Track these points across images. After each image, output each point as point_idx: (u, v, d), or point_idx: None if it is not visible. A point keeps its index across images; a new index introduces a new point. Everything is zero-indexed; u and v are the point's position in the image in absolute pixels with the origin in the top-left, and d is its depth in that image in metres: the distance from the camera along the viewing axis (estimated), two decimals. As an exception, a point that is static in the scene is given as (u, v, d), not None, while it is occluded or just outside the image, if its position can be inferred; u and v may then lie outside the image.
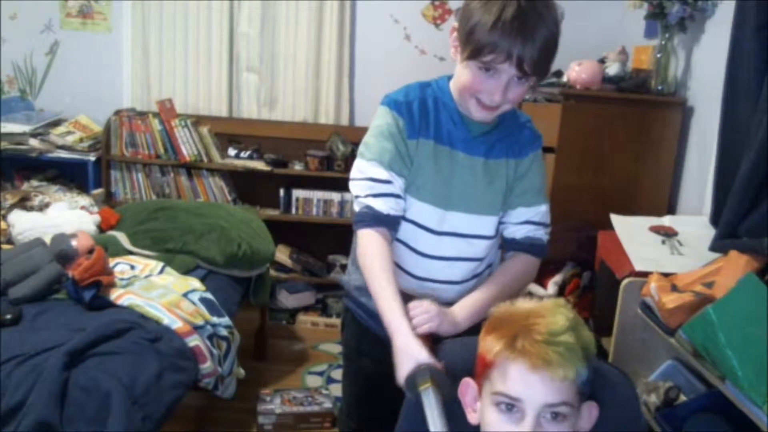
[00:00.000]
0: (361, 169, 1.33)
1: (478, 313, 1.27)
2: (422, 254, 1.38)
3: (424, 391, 1.09)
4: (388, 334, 1.21)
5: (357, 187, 1.34)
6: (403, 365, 1.14)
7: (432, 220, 1.35)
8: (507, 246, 1.41)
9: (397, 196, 1.31)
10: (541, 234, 1.40)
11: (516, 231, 1.39)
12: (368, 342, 1.48)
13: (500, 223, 1.40)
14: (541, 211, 1.39)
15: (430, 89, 1.36)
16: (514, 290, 1.34)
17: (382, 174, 1.30)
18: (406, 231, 1.37)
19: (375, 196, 1.30)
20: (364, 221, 1.31)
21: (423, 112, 1.33)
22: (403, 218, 1.36)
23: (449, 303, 1.36)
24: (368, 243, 1.30)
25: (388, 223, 1.31)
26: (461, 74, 1.26)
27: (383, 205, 1.30)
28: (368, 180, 1.31)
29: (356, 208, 1.35)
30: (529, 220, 1.38)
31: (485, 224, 1.38)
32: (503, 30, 1.15)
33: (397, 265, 1.38)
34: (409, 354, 1.14)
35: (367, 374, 1.52)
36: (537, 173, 1.39)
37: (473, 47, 1.19)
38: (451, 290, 1.40)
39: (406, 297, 1.31)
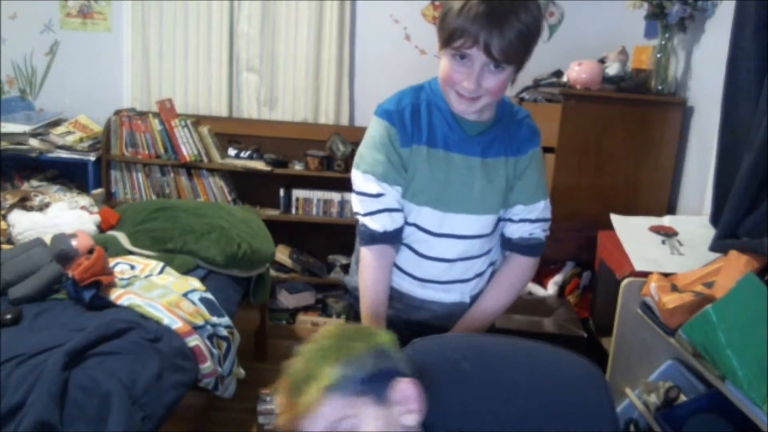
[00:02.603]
0: (356, 181, 1.36)
1: (478, 325, 1.36)
2: (424, 256, 1.39)
3: None
4: None
5: (354, 202, 1.38)
6: None
7: (432, 223, 1.36)
8: (504, 245, 1.43)
9: (391, 210, 1.34)
10: (539, 232, 1.41)
11: (514, 230, 1.40)
12: None
13: (500, 219, 1.41)
14: (539, 207, 1.40)
15: (423, 92, 1.36)
16: (511, 296, 1.39)
17: (374, 188, 1.32)
18: (409, 234, 1.38)
19: (368, 214, 1.34)
20: (363, 240, 1.36)
21: (415, 118, 1.33)
22: (406, 222, 1.37)
23: (452, 305, 1.40)
24: (365, 266, 1.36)
25: (385, 240, 1.34)
26: (441, 66, 1.26)
27: (376, 224, 1.33)
28: (361, 195, 1.35)
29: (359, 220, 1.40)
30: (526, 218, 1.39)
31: (485, 224, 1.38)
32: (469, 14, 1.15)
33: (400, 268, 1.41)
34: None
35: None
36: (536, 170, 1.39)
37: (445, 34, 1.20)
38: (454, 289, 1.41)
39: (408, 301, 1.37)
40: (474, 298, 1.44)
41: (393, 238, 1.35)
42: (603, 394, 1.16)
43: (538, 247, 1.42)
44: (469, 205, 1.35)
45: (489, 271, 1.45)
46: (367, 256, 1.36)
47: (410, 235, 1.38)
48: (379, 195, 1.32)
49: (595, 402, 1.15)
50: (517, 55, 1.19)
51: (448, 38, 1.20)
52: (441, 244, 1.37)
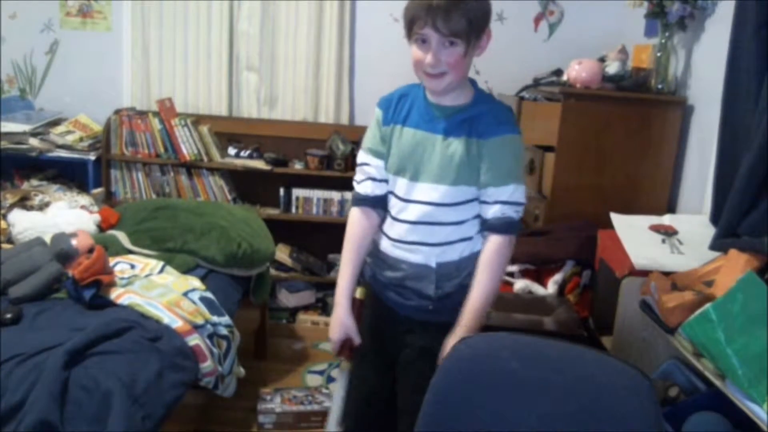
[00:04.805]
0: (357, 156, 1.68)
1: (479, 313, 1.53)
2: (395, 219, 1.62)
3: (342, 371, 1.62)
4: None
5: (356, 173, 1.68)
6: (334, 331, 1.68)
7: (401, 190, 1.60)
8: (482, 226, 1.59)
9: (374, 179, 1.63)
10: (511, 212, 1.55)
11: (488, 211, 1.56)
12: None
13: (479, 202, 1.57)
14: (509, 190, 1.53)
15: (416, 88, 1.62)
16: (495, 277, 1.55)
17: (364, 157, 1.65)
18: (389, 200, 1.64)
19: (360, 181, 1.66)
20: (352, 202, 1.69)
21: (400, 103, 1.62)
22: (388, 192, 1.64)
23: (418, 265, 1.60)
24: (349, 221, 1.68)
25: (368, 202, 1.64)
26: (411, 57, 1.50)
27: (362, 188, 1.65)
28: (357, 166, 1.67)
29: None
30: (498, 199, 1.54)
31: (446, 194, 1.55)
32: (423, 1, 1.41)
33: (382, 231, 1.66)
34: (341, 324, 1.66)
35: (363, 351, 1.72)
36: (506, 157, 1.53)
37: (407, 24, 1.46)
38: (418, 251, 1.60)
39: (385, 259, 1.65)
40: (441, 265, 1.59)
41: (375, 203, 1.64)
42: (649, 407, 1.12)
43: (511, 225, 1.55)
44: (430, 175, 1.55)
45: (461, 245, 1.59)
46: (353, 213, 1.67)
47: (390, 201, 1.63)
48: (363, 164, 1.64)
49: (639, 414, 1.12)
50: (467, 29, 1.41)
51: (409, 26, 1.45)
52: (408, 209, 1.59)
